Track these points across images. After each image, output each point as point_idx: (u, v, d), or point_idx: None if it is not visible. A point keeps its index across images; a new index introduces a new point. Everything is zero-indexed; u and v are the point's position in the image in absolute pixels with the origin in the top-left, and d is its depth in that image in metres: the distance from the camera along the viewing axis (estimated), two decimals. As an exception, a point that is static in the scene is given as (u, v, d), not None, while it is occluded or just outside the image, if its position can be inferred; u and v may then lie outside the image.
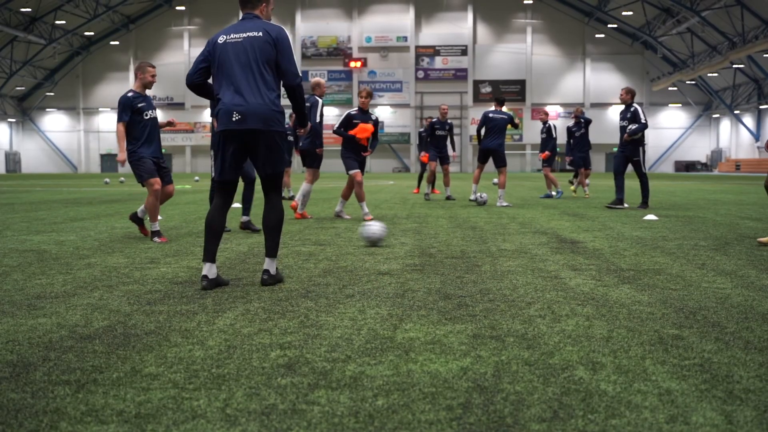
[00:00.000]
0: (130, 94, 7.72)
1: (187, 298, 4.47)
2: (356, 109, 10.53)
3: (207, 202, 15.64)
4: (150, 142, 7.75)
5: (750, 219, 10.36)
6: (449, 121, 16.07)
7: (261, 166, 4.89)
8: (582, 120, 16.82)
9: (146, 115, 7.76)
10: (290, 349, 3.22)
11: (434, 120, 16.03)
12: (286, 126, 17.97)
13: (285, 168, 18.87)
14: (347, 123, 10.34)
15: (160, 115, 69.17)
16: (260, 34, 4.81)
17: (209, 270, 4.79)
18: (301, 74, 4.86)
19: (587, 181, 17.97)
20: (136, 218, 8.02)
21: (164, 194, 7.95)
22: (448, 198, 15.67)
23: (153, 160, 7.74)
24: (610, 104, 65.18)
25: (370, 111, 10.56)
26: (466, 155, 66.23)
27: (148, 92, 7.90)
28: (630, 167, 12.93)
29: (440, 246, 7.18)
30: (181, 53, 68.29)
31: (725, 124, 66.40)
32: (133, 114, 7.67)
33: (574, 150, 17.29)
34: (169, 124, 8.41)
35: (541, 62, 67.03)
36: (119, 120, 7.65)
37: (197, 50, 67.97)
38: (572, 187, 17.65)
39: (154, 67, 7.98)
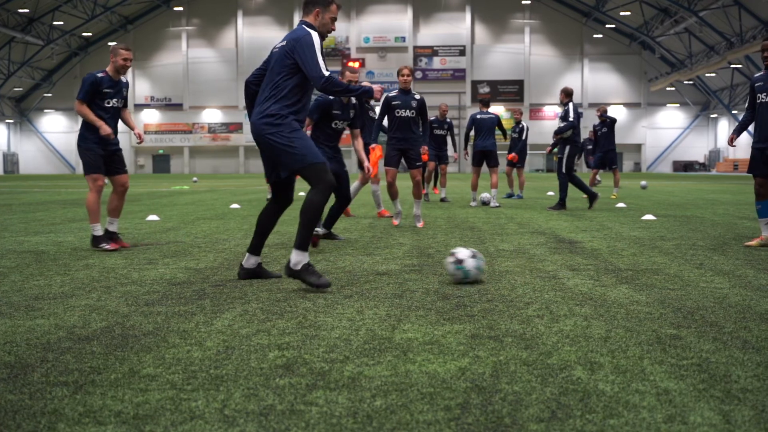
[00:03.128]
0: (99, 75, 6.99)
1: (185, 299, 4.47)
2: (396, 90, 9.24)
3: (204, 202, 15.65)
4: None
5: (748, 219, 10.37)
6: (448, 120, 15.92)
7: (279, 170, 4.98)
8: (607, 119, 16.88)
9: (108, 103, 7.02)
10: (288, 350, 3.22)
11: (433, 119, 15.85)
12: None
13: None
14: (386, 109, 9.17)
15: (158, 116, 67.42)
16: (285, 43, 4.90)
17: (246, 260, 5.15)
18: (327, 72, 4.77)
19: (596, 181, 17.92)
20: (109, 235, 7.13)
21: (118, 185, 7.18)
22: (442, 200, 15.54)
23: (103, 150, 6.99)
24: (609, 104, 65.23)
25: (413, 91, 9.17)
26: (465, 155, 66.27)
27: (123, 79, 7.22)
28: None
29: (438, 246, 7.18)
30: (179, 54, 68.25)
31: (723, 124, 66.43)
32: (95, 97, 6.94)
33: (595, 148, 17.46)
34: (139, 138, 7.30)
35: (539, 62, 67.05)
36: (77, 96, 6.90)
37: (195, 51, 68.09)
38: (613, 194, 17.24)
39: (128, 50, 7.17)
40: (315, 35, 4.85)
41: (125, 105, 7.36)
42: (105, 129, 6.86)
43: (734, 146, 7.54)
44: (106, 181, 7.25)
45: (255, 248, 5.15)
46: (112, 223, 7.24)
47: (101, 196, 7.08)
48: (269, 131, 4.80)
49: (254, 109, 4.98)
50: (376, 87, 5.08)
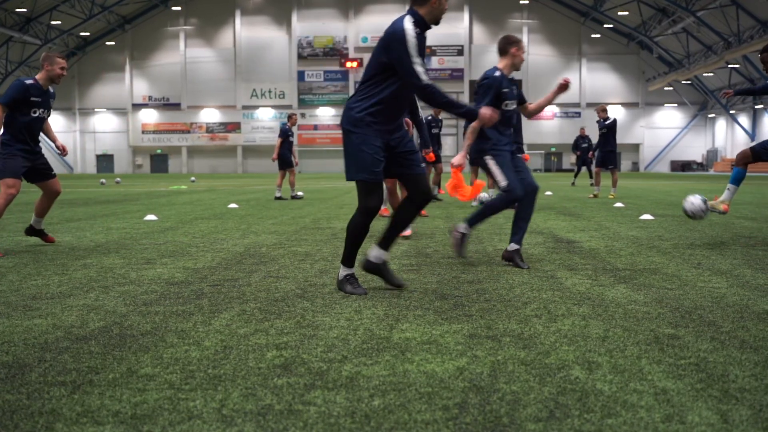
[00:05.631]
0: (28, 82, 6.75)
1: (183, 298, 4.46)
2: None
3: (202, 202, 15.63)
4: (27, 141, 6.82)
5: (745, 218, 10.38)
6: (441, 118, 15.89)
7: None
8: (605, 120, 16.88)
9: (34, 112, 6.81)
10: (286, 350, 3.22)
11: (429, 118, 15.78)
12: (285, 126, 17.45)
13: (289, 168, 17.94)
14: None
15: (156, 116, 67.21)
16: (382, 35, 4.52)
17: (372, 251, 4.78)
18: (425, 79, 4.34)
19: (596, 181, 17.89)
20: (33, 231, 7.23)
21: (51, 192, 7.13)
22: (434, 198, 15.29)
23: (28, 158, 6.84)
24: (606, 104, 65.28)
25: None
26: (463, 155, 66.21)
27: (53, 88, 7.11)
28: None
29: (436, 246, 7.18)
30: (177, 53, 68.20)
31: (721, 123, 66.56)
32: (20, 105, 6.70)
33: (597, 149, 17.56)
34: (63, 151, 7.25)
35: (538, 62, 67.04)
36: (1, 100, 6.64)
37: (193, 50, 68.06)
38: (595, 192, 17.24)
39: (64, 59, 6.95)
40: (410, 31, 4.35)
41: (48, 115, 7.10)
42: None
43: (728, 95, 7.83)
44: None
45: (383, 240, 4.73)
46: (38, 222, 7.18)
47: (9, 204, 6.80)
48: (345, 127, 4.52)
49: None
50: (485, 112, 4.54)
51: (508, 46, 5.97)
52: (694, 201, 7.35)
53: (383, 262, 4.74)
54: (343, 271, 4.71)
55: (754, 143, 7.57)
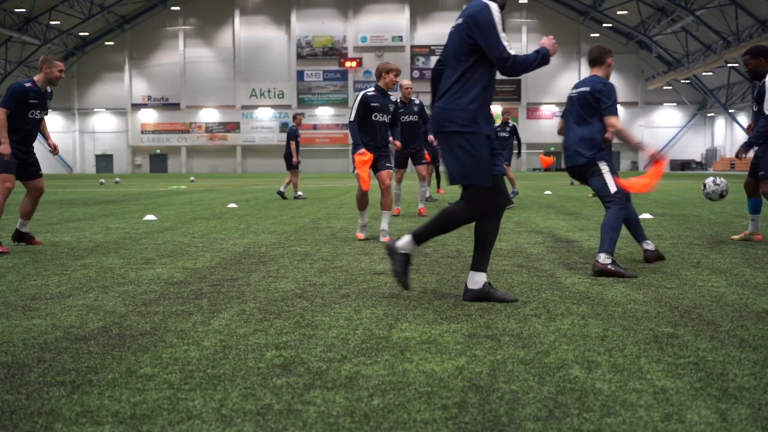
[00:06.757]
0: (27, 84, 6.94)
1: (183, 298, 4.46)
2: (373, 89, 7.82)
3: (201, 202, 15.63)
4: (24, 142, 7.01)
5: (744, 218, 10.38)
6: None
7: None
8: None
9: (32, 114, 7.00)
10: (286, 350, 3.22)
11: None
12: (293, 128, 17.52)
13: (293, 169, 18.01)
14: (365, 110, 7.68)
15: (156, 116, 67.09)
16: (461, 21, 4.34)
17: (470, 278, 4.38)
18: (512, 52, 4.24)
19: None
20: (20, 235, 7.30)
21: (35, 190, 7.22)
22: (428, 199, 15.09)
23: (20, 155, 6.97)
24: (606, 103, 65.21)
25: (390, 93, 7.96)
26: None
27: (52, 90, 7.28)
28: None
29: (436, 245, 7.18)
30: (176, 53, 68.19)
31: (720, 122, 66.56)
32: (19, 108, 6.89)
33: None
34: (54, 149, 7.53)
35: (537, 61, 67.03)
36: (1, 105, 6.80)
37: (192, 50, 68.05)
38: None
39: (62, 62, 7.18)
40: (495, 8, 4.25)
41: (45, 115, 7.29)
42: (5, 149, 6.76)
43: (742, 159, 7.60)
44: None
45: (478, 261, 4.34)
46: (24, 225, 7.31)
47: (7, 199, 6.87)
48: (452, 129, 4.27)
49: (439, 98, 4.40)
50: (547, 42, 4.42)
51: (605, 56, 5.83)
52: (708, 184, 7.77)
53: (485, 283, 4.33)
54: (407, 243, 4.35)
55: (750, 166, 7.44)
